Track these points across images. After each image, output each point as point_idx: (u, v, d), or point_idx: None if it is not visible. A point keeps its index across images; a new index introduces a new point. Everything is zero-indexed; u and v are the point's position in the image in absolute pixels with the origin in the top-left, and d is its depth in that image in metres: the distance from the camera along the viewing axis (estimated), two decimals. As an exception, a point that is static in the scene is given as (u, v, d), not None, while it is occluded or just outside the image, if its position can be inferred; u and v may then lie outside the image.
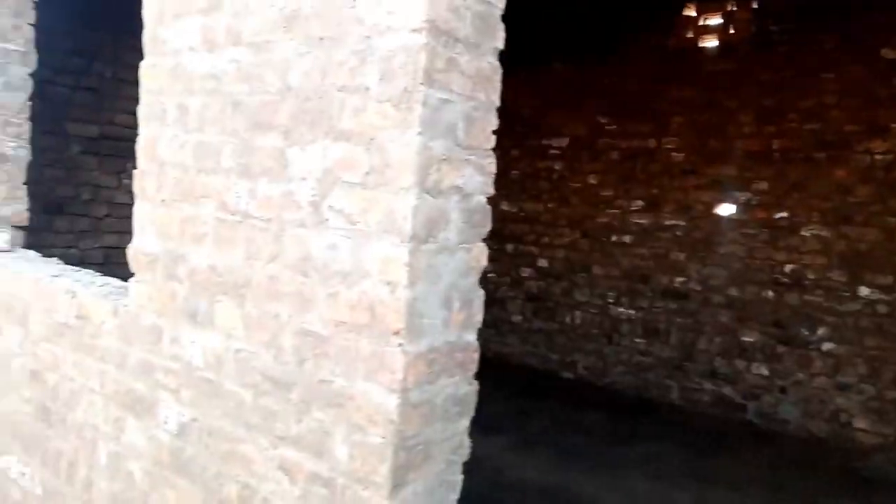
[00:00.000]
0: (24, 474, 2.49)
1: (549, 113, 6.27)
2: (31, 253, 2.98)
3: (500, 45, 1.54)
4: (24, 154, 3.13)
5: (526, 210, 6.41)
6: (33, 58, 3.11)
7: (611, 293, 5.89)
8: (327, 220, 1.51)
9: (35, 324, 2.44)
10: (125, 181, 4.75)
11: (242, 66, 1.69)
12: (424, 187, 1.38)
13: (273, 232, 1.62)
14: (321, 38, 1.52)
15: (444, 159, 1.42)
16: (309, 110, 1.54)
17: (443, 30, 1.37)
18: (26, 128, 3.13)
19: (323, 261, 1.52)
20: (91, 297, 2.18)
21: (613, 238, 5.86)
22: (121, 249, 4.70)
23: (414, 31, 1.35)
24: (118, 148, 4.58)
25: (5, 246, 3.01)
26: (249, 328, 1.67)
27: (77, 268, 2.68)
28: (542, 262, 6.34)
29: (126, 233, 4.80)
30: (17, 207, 3.11)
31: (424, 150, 1.37)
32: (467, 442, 1.58)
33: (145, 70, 1.97)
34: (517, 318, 6.47)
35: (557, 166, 6.22)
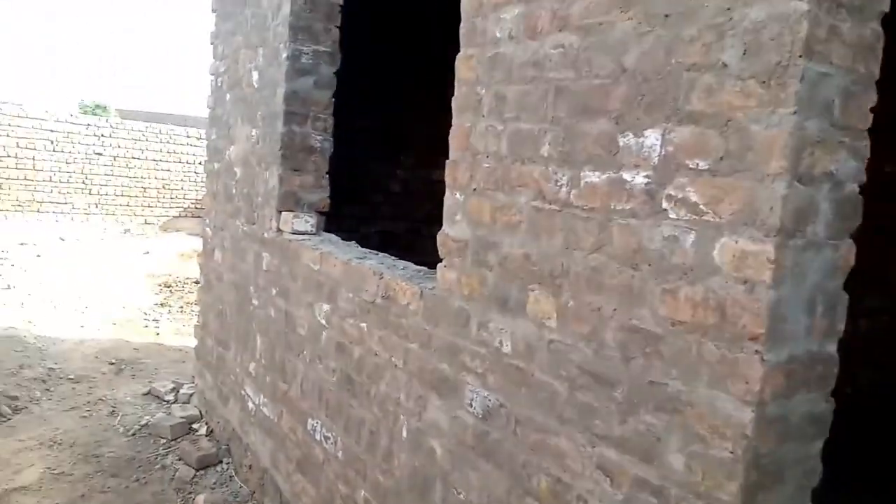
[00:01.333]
0: (328, 438, 2.76)
1: None
2: (333, 236, 3.29)
3: (886, 7, 1.31)
4: (328, 146, 3.47)
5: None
6: (338, 57, 3.42)
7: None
8: (665, 209, 1.41)
9: (343, 301, 2.68)
10: (398, 171, 5.11)
11: (569, 51, 1.65)
12: (795, 174, 1.21)
13: (597, 221, 1.56)
14: (666, 16, 1.41)
15: (818, 142, 1.24)
16: (647, 93, 1.45)
17: (828, -7, 1.19)
18: (330, 122, 3.46)
19: (658, 253, 1.42)
20: (397, 278, 2.32)
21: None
22: (394, 234, 5.03)
23: (794, -4, 1.18)
24: (392, 139, 4.92)
25: (311, 229, 3.36)
26: (566, 319, 1.63)
27: (373, 251, 2.90)
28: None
29: (400, 219, 5.17)
30: (322, 195, 3.46)
31: (798, 131, 1.20)
32: (819, 467, 1.38)
33: (462, 61, 2.03)
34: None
35: None
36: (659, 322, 1.41)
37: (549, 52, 1.70)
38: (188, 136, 15.44)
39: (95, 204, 14.22)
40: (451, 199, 2.06)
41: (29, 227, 12.91)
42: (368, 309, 2.48)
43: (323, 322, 2.84)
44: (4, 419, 4.39)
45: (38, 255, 10.25)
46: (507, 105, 1.84)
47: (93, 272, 9.70)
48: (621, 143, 1.50)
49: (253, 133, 3.71)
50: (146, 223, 14.84)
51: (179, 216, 15.44)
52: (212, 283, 4.38)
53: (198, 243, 12.92)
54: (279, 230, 3.38)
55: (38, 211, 13.49)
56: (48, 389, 5.02)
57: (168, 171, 15.15)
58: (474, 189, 1.96)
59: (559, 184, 1.66)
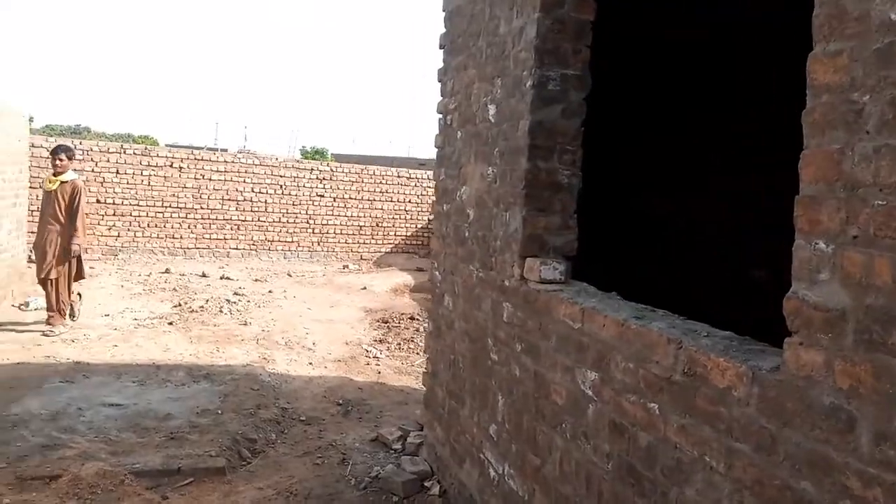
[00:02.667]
0: (600, 534, 2.26)
1: None
2: (589, 286, 2.83)
3: None
4: (577, 182, 3.04)
5: None
6: (588, 81, 3.00)
7: None
8: None
9: (618, 371, 2.19)
10: (631, 203, 4.56)
11: None
12: None
13: None
14: None
15: None
16: None
17: None
18: (579, 155, 3.03)
19: None
20: (706, 350, 1.79)
21: None
22: (637, 278, 4.39)
23: None
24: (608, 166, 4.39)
25: (560, 277, 2.93)
26: None
27: (649, 307, 2.38)
28: None
29: (641, 260, 4.57)
30: (569, 237, 3.03)
31: None
32: None
33: (820, 61, 1.47)
34: None
35: None
36: None
37: None
38: (398, 176, 16.09)
39: (318, 242, 15.25)
40: (808, 249, 1.49)
41: (262, 264, 14.14)
42: (661, 386, 1.96)
43: (589, 393, 2.37)
44: (245, 463, 4.47)
45: (270, 291, 11.05)
46: (920, 114, 1.25)
47: (317, 307, 10.21)
48: None
49: (489, 171, 3.40)
50: (362, 259, 15.61)
51: (391, 252, 16.06)
52: (441, 330, 4.13)
53: (409, 279, 13.29)
54: (523, 278, 2.99)
55: (269, 249, 14.76)
56: (283, 432, 5.10)
57: (381, 209, 15.86)
58: (854, 236, 1.38)
59: None
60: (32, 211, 11.13)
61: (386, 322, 9.58)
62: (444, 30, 4.27)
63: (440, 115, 4.25)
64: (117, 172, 13.19)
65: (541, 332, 2.79)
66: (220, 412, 5.12)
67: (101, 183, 13.07)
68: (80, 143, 13.24)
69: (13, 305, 8.45)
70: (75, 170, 7.83)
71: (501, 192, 3.23)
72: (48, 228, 7.38)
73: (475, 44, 3.68)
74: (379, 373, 7.18)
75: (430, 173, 16.78)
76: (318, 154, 48.22)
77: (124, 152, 13.37)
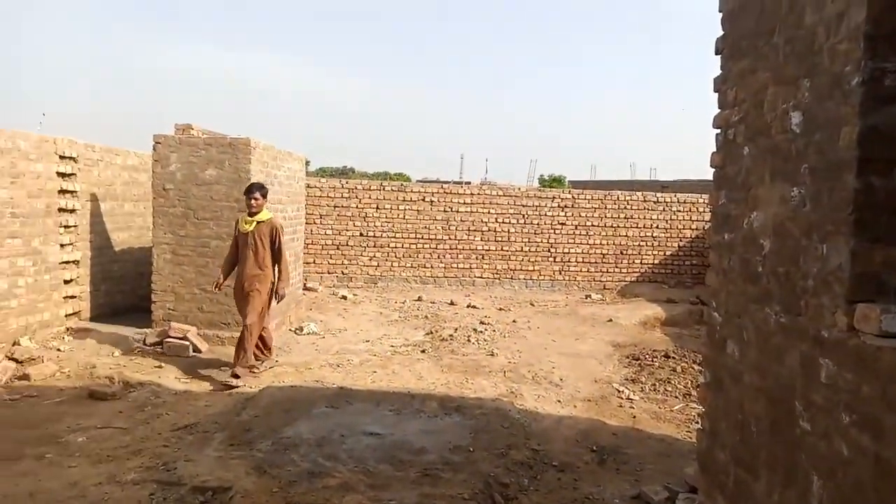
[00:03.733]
0: None
1: None
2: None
3: None
4: (929, 203, 2.29)
5: None
6: None
7: None
8: None
9: None
10: None
11: None
12: None
13: None
14: None
15: None
16: None
17: None
18: (933, 167, 2.29)
19: None
20: None
21: None
22: None
23: None
24: None
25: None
26: None
27: None
28: None
29: None
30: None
31: None
32: None
33: None
34: None
35: None
36: None
37: None
38: (644, 201, 15.23)
39: (559, 271, 14.96)
40: None
41: (505, 293, 14.23)
42: None
43: None
44: (499, 510, 4.23)
45: (514, 321, 10.97)
46: None
47: (562, 339, 9.87)
48: None
49: (793, 193, 2.77)
50: (605, 288, 14.99)
51: (636, 281, 15.20)
52: (724, 383, 3.50)
53: (659, 311, 12.35)
54: (852, 329, 2.32)
55: (511, 279, 14.81)
56: (535, 477, 4.79)
57: (625, 236, 15.12)
58: None
59: None
60: (307, 244, 12.40)
61: (637, 359, 8.89)
62: (720, 32, 3.70)
63: (718, 130, 3.66)
64: (377, 208, 14.25)
65: (885, 403, 2.11)
66: (471, 449, 4.98)
67: (364, 218, 14.21)
68: (346, 182, 14.58)
69: (289, 330, 9.38)
70: (268, 208, 7.14)
71: (814, 218, 2.59)
72: (246, 273, 6.83)
73: (767, 42, 3.08)
74: (634, 417, 6.58)
75: (680, 196, 15.63)
76: (555, 182, 48.42)
77: (383, 189, 14.42)
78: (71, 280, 8.03)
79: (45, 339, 7.32)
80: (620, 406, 6.91)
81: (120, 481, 4.12)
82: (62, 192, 7.81)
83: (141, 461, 4.50)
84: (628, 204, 15.15)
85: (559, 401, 6.88)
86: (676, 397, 7.38)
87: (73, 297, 8.07)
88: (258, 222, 6.92)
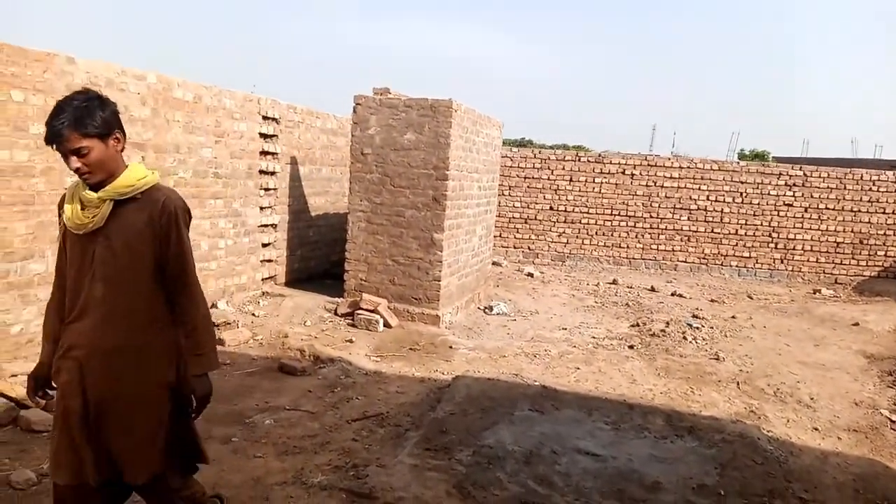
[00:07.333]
0: None
1: None
2: None
3: None
4: None
5: None
6: None
7: None
8: None
9: None
10: None
11: None
12: None
13: None
14: None
15: None
16: None
17: None
18: None
19: None
20: None
21: None
22: None
23: None
24: None
25: None
26: None
27: None
28: None
29: None
30: None
31: None
32: None
33: None
34: None
35: None
36: None
37: None
38: (894, 181, 12.62)
39: (780, 259, 12.92)
40: None
41: (713, 280, 12.53)
42: None
43: None
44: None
45: (733, 317, 9.42)
46: None
47: (796, 344, 8.21)
48: None
49: None
50: (836, 282, 12.72)
51: (878, 276, 12.73)
52: None
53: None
54: None
55: (720, 265, 13.05)
56: (813, 543, 3.58)
57: (867, 223, 12.67)
58: None
59: None
60: (499, 219, 11.64)
61: (903, 378, 7.08)
62: None
63: None
64: (570, 180, 13.15)
65: None
66: (721, 493, 3.86)
67: (555, 190, 13.19)
68: (540, 152, 13.61)
69: (478, 308, 8.69)
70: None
71: None
72: (93, 344, 2.29)
73: None
74: (925, 461, 5.03)
75: (947, 178, 12.73)
76: (758, 158, 43.72)
77: (578, 160, 13.27)
78: (269, 244, 7.92)
79: (242, 302, 7.24)
80: (898, 443, 5.36)
81: (306, 483, 3.58)
82: (263, 153, 7.66)
83: (329, 457, 3.96)
84: (874, 185, 12.64)
85: (816, 428, 5.47)
86: (973, 437, 5.63)
87: (269, 260, 7.97)
88: (118, 201, 2.30)
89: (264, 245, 7.84)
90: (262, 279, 7.84)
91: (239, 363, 5.70)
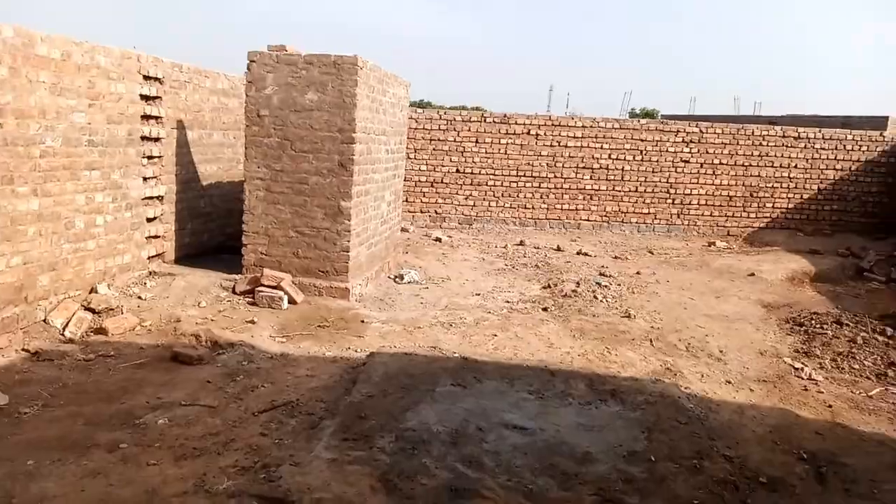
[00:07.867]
0: None
1: None
2: None
3: None
4: None
5: None
6: None
7: None
8: None
9: None
10: None
11: None
12: None
13: None
14: None
15: None
16: None
17: None
18: None
19: None
20: None
21: None
22: None
23: None
24: None
25: None
26: None
27: None
28: None
29: None
30: None
31: None
32: None
33: None
34: None
35: None
36: None
37: None
38: (784, 136, 13.23)
39: (677, 214, 13.34)
40: None
41: (615, 238, 12.77)
42: None
43: None
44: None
45: (638, 273, 9.59)
46: None
47: (700, 297, 8.44)
48: None
49: None
50: (728, 234, 13.29)
51: (766, 227, 13.40)
52: None
53: (805, 264, 10.62)
54: None
55: (621, 222, 13.32)
56: (744, 502, 3.55)
57: (757, 176, 13.26)
58: None
59: None
60: (405, 183, 11.23)
61: (801, 325, 7.40)
62: None
63: None
64: (476, 141, 12.91)
65: None
66: (652, 459, 3.77)
67: (462, 153, 12.93)
68: (445, 113, 13.26)
69: (388, 277, 8.36)
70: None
71: None
72: None
73: None
74: (829, 406, 5.21)
75: (826, 132, 13.42)
76: (647, 116, 45.34)
77: (484, 121, 13.03)
78: (154, 218, 7.19)
79: (126, 284, 6.53)
80: (805, 390, 5.54)
81: (210, 491, 3.17)
82: (145, 117, 6.87)
83: (234, 458, 3.54)
84: (764, 140, 13.20)
85: (729, 381, 5.56)
86: (867, 377, 5.94)
87: (156, 236, 7.25)
88: None
89: (150, 219, 7.10)
90: (149, 257, 7.12)
91: (125, 354, 5.10)
